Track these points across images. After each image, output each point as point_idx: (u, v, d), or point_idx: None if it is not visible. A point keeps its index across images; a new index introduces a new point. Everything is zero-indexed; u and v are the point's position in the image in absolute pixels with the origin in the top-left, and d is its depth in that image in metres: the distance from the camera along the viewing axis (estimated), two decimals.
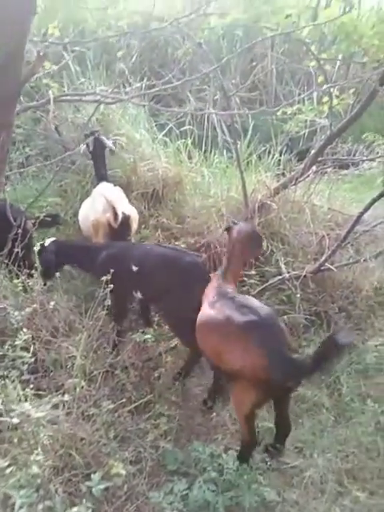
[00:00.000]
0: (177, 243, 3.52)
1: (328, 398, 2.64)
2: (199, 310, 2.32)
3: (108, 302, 2.37)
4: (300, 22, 3.17)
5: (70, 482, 1.94)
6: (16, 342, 2.22)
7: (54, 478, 1.89)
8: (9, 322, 2.50)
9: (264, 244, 3.20)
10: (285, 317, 3.04)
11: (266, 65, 6.13)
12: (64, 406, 2.08)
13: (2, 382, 2.05)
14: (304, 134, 4.17)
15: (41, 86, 4.33)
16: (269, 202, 3.53)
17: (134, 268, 2.72)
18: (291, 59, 6.11)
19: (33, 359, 2.29)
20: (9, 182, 4.18)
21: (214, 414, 2.54)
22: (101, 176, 3.55)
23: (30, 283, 2.71)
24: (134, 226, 3.32)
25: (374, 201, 2.87)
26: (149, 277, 2.71)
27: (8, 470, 1.81)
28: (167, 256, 2.76)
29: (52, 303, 2.65)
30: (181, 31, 4.57)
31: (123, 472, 1.93)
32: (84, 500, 1.80)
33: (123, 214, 3.12)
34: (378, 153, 4.08)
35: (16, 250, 2.78)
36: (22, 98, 2.92)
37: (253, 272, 3.20)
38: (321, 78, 3.34)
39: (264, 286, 3.20)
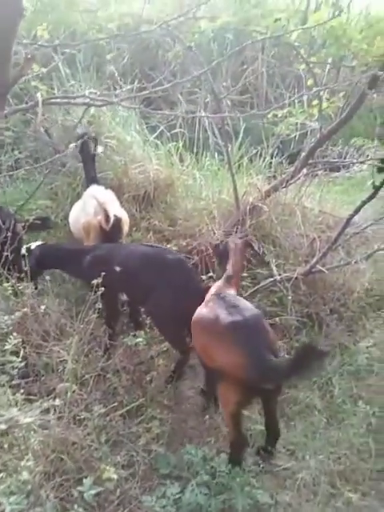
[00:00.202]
0: (168, 246, 3.51)
1: (320, 400, 2.65)
2: (186, 309, 2.33)
3: (99, 305, 2.36)
4: (290, 25, 3.18)
5: (62, 487, 1.92)
6: (5, 347, 2.20)
7: (45, 484, 1.87)
8: None
9: (255, 246, 3.22)
10: (276, 319, 3.04)
11: (256, 68, 6.14)
12: (55, 410, 2.06)
13: None
14: (295, 136, 4.18)
15: (30, 89, 4.30)
16: (260, 205, 3.54)
17: (117, 268, 2.71)
18: (281, 62, 6.16)
19: (23, 364, 2.27)
20: None
21: (207, 416, 2.52)
22: (91, 178, 3.54)
23: (20, 287, 2.68)
24: (126, 228, 3.31)
25: (365, 203, 2.89)
26: (134, 277, 2.70)
27: None
28: (149, 255, 2.76)
29: (43, 307, 2.64)
30: (171, 34, 4.57)
31: (115, 476, 1.91)
32: (75, 505, 1.79)
33: (115, 216, 3.11)
34: (368, 155, 4.10)
35: (5, 253, 2.75)
36: (10, 100, 2.90)
37: (245, 274, 3.19)
38: (310, 81, 3.36)
39: (256, 288, 3.21)
